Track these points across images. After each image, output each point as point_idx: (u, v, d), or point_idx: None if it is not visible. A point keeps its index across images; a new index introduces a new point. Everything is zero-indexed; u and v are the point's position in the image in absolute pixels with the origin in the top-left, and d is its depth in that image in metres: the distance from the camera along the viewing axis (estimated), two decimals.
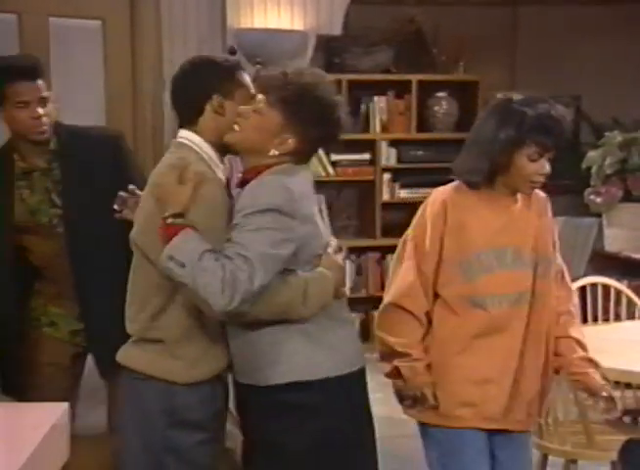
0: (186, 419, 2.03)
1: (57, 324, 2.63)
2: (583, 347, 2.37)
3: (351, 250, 5.55)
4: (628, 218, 4.91)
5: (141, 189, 2.19)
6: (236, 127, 2.08)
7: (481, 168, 2.24)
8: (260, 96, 2.09)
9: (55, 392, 2.44)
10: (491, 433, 2.33)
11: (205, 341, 2.05)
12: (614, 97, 5.86)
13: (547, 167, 2.25)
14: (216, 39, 4.07)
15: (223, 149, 2.11)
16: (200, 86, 2.08)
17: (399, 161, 5.79)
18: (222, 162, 2.13)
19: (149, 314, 2.04)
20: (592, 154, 4.91)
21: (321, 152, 5.51)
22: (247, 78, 2.14)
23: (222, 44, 4.08)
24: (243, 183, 2.08)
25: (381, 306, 2.36)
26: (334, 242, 2.19)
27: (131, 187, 2.30)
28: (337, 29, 4.24)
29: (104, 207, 2.33)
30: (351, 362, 2.12)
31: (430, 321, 2.30)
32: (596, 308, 3.44)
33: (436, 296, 2.30)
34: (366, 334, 5.82)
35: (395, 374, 2.32)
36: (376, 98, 5.75)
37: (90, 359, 2.63)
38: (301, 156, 2.11)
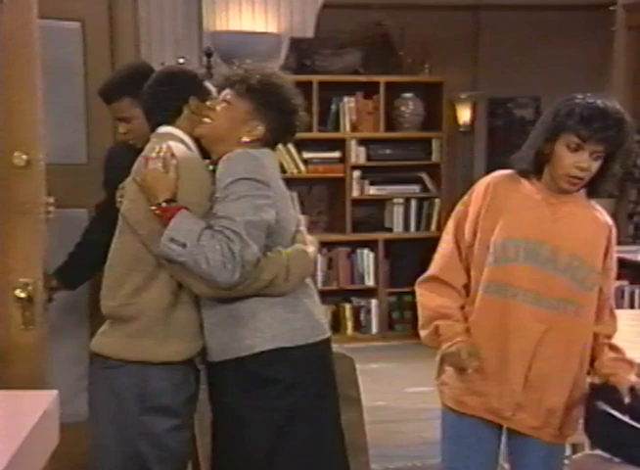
0: (160, 405, 2.04)
1: None
2: (616, 349, 2.22)
3: (322, 244, 5.55)
4: None
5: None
6: (206, 120, 2.13)
7: (528, 156, 2.19)
8: (227, 90, 2.14)
9: None
10: (509, 436, 2.26)
11: (180, 320, 2.06)
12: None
13: (588, 163, 2.12)
14: (193, 41, 4.07)
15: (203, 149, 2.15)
16: (175, 90, 2.17)
17: (368, 158, 5.83)
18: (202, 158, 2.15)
19: (129, 291, 2.04)
20: None
21: (293, 149, 5.53)
22: (212, 89, 2.22)
23: (198, 46, 4.07)
24: (216, 164, 2.11)
25: (421, 277, 2.35)
26: (303, 219, 2.27)
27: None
28: (309, 32, 4.25)
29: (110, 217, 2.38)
30: (324, 329, 2.17)
31: (468, 294, 2.24)
32: None
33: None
34: (337, 325, 5.87)
35: (434, 336, 2.25)
36: (345, 98, 5.78)
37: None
38: (270, 142, 2.17)
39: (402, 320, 6.23)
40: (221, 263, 1.92)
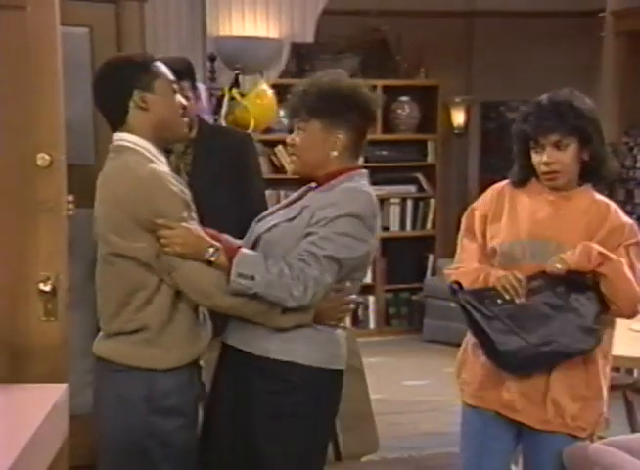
0: (167, 405, 2.00)
1: None
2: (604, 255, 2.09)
3: None
4: None
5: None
6: (292, 158, 2.11)
7: (514, 171, 2.24)
8: (295, 119, 2.10)
9: None
10: (520, 432, 2.22)
11: (184, 327, 2.02)
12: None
13: (550, 157, 2.12)
14: (197, 46, 4.06)
15: (160, 142, 2.06)
16: (119, 85, 2.01)
17: (366, 160, 5.80)
18: (162, 154, 2.07)
19: (134, 307, 1.99)
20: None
21: None
22: (162, 68, 2.05)
23: (202, 51, 4.07)
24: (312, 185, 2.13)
25: (448, 268, 2.34)
26: None
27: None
28: (309, 37, 4.25)
29: (223, 193, 2.44)
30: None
31: None
32: None
33: None
34: None
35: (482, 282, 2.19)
36: None
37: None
38: (357, 145, 2.12)
39: (399, 316, 6.23)
40: (288, 287, 1.94)
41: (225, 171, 2.77)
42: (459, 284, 2.17)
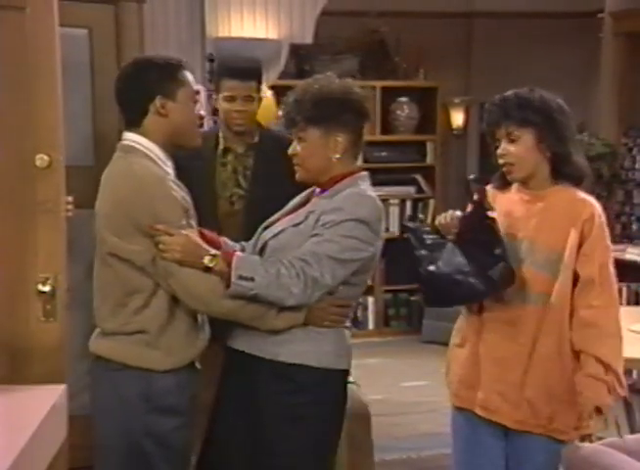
0: (165, 405, 2.01)
1: None
2: (603, 363, 2.10)
3: None
4: None
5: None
6: (297, 168, 2.13)
7: (496, 174, 2.26)
8: (293, 130, 2.10)
9: None
10: (507, 434, 2.21)
11: (182, 329, 2.03)
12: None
13: (502, 150, 2.14)
14: (196, 47, 4.06)
15: (169, 148, 2.07)
16: (141, 88, 2.02)
17: (365, 161, 5.79)
18: (169, 158, 2.08)
19: (132, 309, 1.99)
20: None
21: None
22: (188, 77, 2.07)
23: (201, 52, 4.07)
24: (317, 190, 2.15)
25: None
26: None
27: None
28: (308, 38, 4.26)
29: (277, 200, 2.44)
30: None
31: None
32: None
33: None
34: None
35: None
36: None
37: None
38: (356, 145, 2.14)
39: (398, 317, 6.23)
40: (288, 286, 1.97)
41: (285, 181, 2.68)
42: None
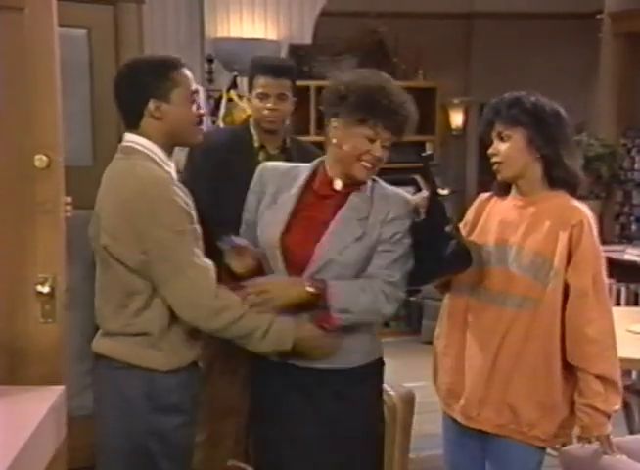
0: (168, 403, 2.00)
1: None
2: (602, 378, 2.08)
3: None
4: None
5: None
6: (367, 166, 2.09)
7: (495, 182, 2.27)
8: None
9: None
10: (487, 438, 2.21)
11: (184, 330, 2.02)
12: (559, 103, 5.96)
13: (492, 148, 2.16)
14: (195, 48, 4.07)
15: (169, 148, 2.05)
16: (135, 91, 1.99)
17: None
18: (170, 158, 2.06)
19: (132, 311, 1.98)
20: None
21: None
22: (183, 77, 2.01)
23: (200, 52, 4.08)
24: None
25: None
26: None
27: (245, 242, 2.22)
28: (307, 39, 4.26)
29: None
30: None
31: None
32: None
33: None
34: None
35: None
36: None
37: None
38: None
39: (397, 317, 6.22)
40: (380, 310, 2.07)
41: None
42: None
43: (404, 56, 6.03)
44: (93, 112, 3.25)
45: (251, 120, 2.81)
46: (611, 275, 4.64)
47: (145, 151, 2.01)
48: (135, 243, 1.94)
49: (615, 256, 4.80)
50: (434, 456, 3.70)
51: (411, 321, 6.16)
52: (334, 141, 2.09)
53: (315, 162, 2.18)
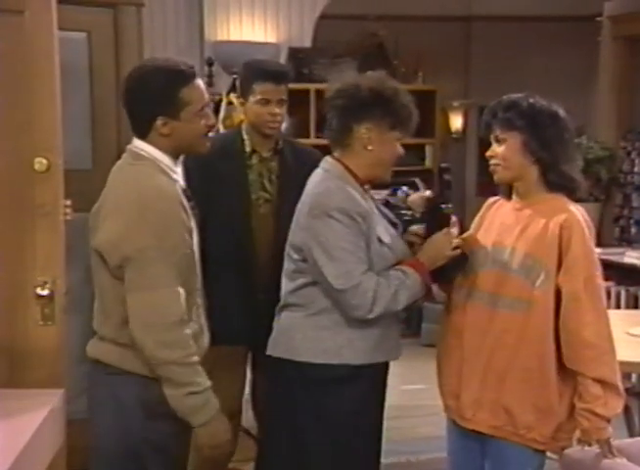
0: (163, 410, 1.97)
1: None
2: (601, 382, 2.07)
3: None
4: None
5: None
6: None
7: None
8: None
9: None
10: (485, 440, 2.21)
11: None
12: (559, 105, 5.96)
13: (490, 150, 2.17)
14: (194, 51, 4.08)
15: (177, 157, 2.04)
16: (143, 106, 1.95)
17: None
18: (177, 164, 2.05)
19: (116, 322, 1.96)
20: None
21: None
22: (195, 92, 1.97)
23: (200, 55, 4.08)
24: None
25: None
26: None
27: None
28: (307, 42, 4.27)
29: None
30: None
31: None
32: None
33: None
34: None
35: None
36: None
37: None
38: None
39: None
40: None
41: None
42: None
43: (404, 59, 6.03)
44: (93, 115, 3.25)
45: (244, 125, 2.80)
46: (610, 278, 4.67)
47: (152, 159, 1.99)
48: (120, 244, 1.91)
49: (614, 258, 4.80)
50: (433, 459, 3.70)
51: (411, 324, 6.16)
52: (369, 148, 2.16)
53: (338, 183, 2.18)
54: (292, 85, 2.82)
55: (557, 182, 2.15)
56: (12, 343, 2.07)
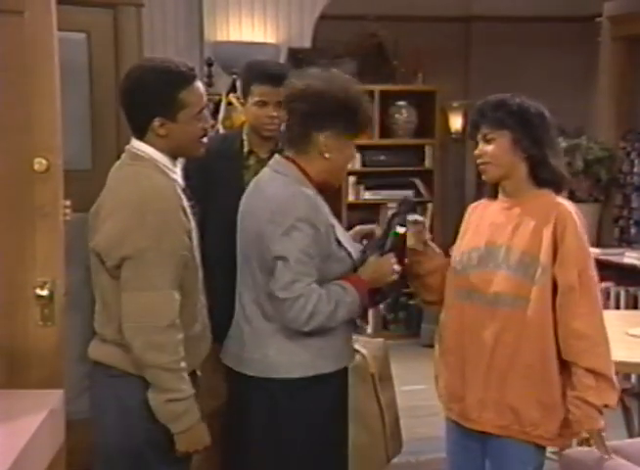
0: None
1: None
2: (595, 373, 2.09)
3: None
4: None
5: None
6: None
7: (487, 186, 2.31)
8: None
9: None
10: (485, 439, 2.22)
11: (184, 340, 1.98)
12: (558, 106, 5.95)
13: (478, 149, 2.20)
14: (194, 51, 4.08)
15: (175, 154, 2.04)
16: (140, 106, 1.97)
17: (364, 165, 5.82)
18: (176, 163, 2.06)
19: (118, 323, 1.96)
20: None
21: None
22: (193, 94, 1.99)
23: (200, 55, 4.09)
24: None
25: None
26: None
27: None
28: (306, 42, 4.27)
29: None
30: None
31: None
32: None
33: None
34: None
35: None
36: None
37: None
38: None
39: (396, 321, 6.23)
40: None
41: None
42: None
43: (403, 59, 6.03)
44: (92, 115, 3.26)
45: (245, 127, 2.81)
46: (610, 279, 4.67)
47: (151, 159, 1.99)
48: (120, 244, 1.92)
49: (614, 259, 4.81)
50: (433, 460, 3.71)
51: (411, 324, 6.16)
52: (327, 155, 2.12)
53: (300, 188, 2.18)
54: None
55: (547, 178, 2.19)
56: (11, 343, 2.07)
